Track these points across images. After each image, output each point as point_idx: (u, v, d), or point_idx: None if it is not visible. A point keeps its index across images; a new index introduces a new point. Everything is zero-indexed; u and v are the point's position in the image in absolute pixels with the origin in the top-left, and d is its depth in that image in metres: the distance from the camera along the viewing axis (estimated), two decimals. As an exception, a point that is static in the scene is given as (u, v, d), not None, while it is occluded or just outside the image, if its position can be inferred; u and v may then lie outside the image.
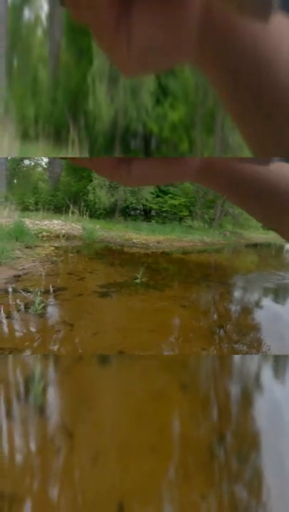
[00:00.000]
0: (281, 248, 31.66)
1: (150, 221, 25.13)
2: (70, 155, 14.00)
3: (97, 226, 17.53)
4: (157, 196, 25.65)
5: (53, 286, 7.46)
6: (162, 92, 14.89)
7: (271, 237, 38.24)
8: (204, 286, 9.43)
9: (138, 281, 8.60)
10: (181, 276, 10.05)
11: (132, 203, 23.71)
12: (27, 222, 14.75)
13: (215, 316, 7.16)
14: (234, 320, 7.31)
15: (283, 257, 26.30)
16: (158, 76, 14.92)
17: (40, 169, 37.89)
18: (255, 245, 26.74)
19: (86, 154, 14.22)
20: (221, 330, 6.42)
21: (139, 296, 7.53)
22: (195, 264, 13.20)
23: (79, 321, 5.81)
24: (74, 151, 14.04)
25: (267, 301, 9.56)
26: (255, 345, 6.13)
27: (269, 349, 6.07)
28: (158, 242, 16.70)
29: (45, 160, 35.18)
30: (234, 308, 8.23)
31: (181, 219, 26.53)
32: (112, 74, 14.22)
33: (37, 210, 21.45)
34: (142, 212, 27.20)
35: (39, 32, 16.33)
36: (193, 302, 7.59)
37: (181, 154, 15.07)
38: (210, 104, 14.88)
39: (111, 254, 13.61)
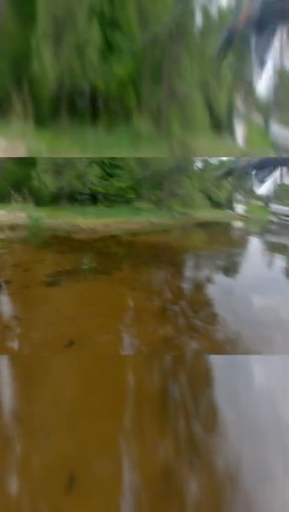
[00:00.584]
0: (229, 226, 32.49)
1: (98, 205, 24.67)
2: (14, 124, 13.34)
3: (44, 214, 16.88)
4: (104, 180, 25.22)
5: (-4, 280, 7.03)
6: (109, 48, 14.46)
7: (219, 215, 39.11)
8: (154, 267, 9.34)
9: (86, 267, 8.32)
10: (130, 259, 9.90)
11: (78, 188, 23.14)
12: None
13: (167, 296, 7.09)
14: (188, 297, 7.28)
15: (231, 234, 27.00)
16: (104, 32, 14.41)
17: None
18: (203, 224, 27.16)
19: (31, 122, 13.59)
20: (175, 308, 6.35)
21: (88, 282, 7.29)
22: (144, 245, 13.10)
23: (27, 313, 5.50)
24: (18, 119, 13.37)
25: (218, 277, 9.67)
26: (210, 320, 6.14)
27: (224, 322, 6.11)
28: (106, 226, 16.43)
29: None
30: (186, 286, 8.22)
31: (129, 201, 26.30)
32: (58, 33, 13.58)
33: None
34: (90, 197, 26.67)
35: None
36: (143, 284, 7.46)
37: (128, 109, 14.80)
38: (158, 55, 14.68)
39: (58, 241, 13.16)
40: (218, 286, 8.59)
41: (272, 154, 19.78)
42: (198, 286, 8.29)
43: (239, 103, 19.58)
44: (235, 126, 19.27)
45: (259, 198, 72.42)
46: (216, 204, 41.07)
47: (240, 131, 19.39)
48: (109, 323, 5.20)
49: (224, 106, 17.40)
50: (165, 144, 14.61)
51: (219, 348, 4.96)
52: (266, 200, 70.71)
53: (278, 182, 69.35)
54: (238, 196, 54.88)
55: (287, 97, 21.73)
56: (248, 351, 5.02)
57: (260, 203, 69.62)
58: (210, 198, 33.67)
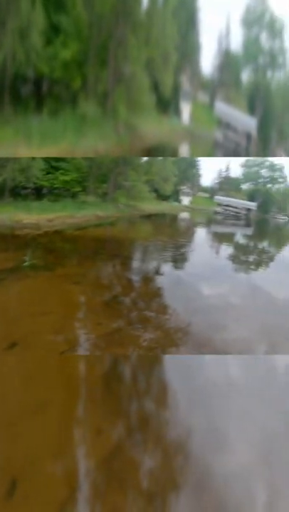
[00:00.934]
0: (175, 217, 32.92)
1: (42, 199, 23.87)
2: None
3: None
4: (48, 173, 24.40)
5: None
6: (53, 31, 13.85)
7: (165, 207, 39.50)
8: (99, 260, 9.17)
9: (27, 264, 7.96)
10: (74, 254, 9.64)
11: (21, 182, 22.24)
12: None
13: (112, 289, 6.97)
14: (134, 289, 7.21)
15: (177, 225, 27.36)
16: (48, 14, 13.77)
17: None
18: (149, 216, 27.27)
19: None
20: (121, 300, 6.25)
21: (31, 279, 6.96)
22: (89, 239, 12.85)
23: None
24: None
25: (166, 268, 9.69)
26: (162, 310, 6.12)
27: (175, 311, 6.12)
28: (49, 221, 15.91)
29: None
30: (133, 278, 8.14)
31: (74, 195, 25.71)
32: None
33: None
34: (34, 191, 25.73)
35: None
36: (87, 278, 7.27)
37: (73, 93, 14.36)
38: (103, 37, 14.34)
39: (0, 238, 12.54)
40: (165, 277, 8.60)
41: (216, 131, 20.29)
42: (146, 278, 8.25)
43: (185, 83, 19.75)
44: (181, 106, 19.45)
45: (204, 189, 74.13)
46: (162, 196, 41.42)
47: (186, 110, 19.61)
48: (52, 321, 4.99)
49: (170, 86, 17.42)
50: (111, 127, 14.39)
51: (171, 337, 4.95)
52: (211, 191, 72.55)
53: (223, 174, 71.29)
54: (184, 188, 55.78)
55: (232, 75, 22.30)
56: (200, 338, 5.07)
57: (205, 195, 71.30)
58: (156, 190, 33.83)
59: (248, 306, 7.17)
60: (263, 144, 22.07)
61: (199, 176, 67.51)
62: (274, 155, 23.49)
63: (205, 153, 19.70)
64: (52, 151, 12.18)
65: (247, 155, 21.38)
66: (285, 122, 23.16)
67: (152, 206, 33.10)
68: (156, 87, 16.72)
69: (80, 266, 8.26)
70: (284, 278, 11.20)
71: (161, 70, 16.74)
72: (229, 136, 20.62)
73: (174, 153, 18.07)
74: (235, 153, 20.89)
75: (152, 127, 15.93)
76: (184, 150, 18.53)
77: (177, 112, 19.30)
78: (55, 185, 24.47)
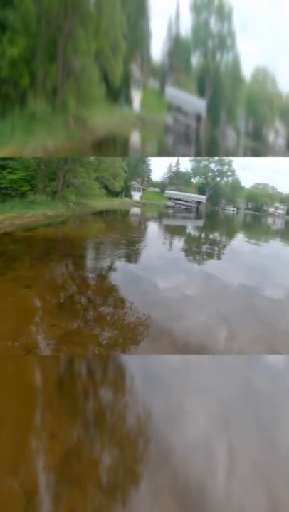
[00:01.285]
0: (127, 213, 32.88)
1: (-12, 201, 22.90)
2: None
3: None
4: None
5: None
6: (0, 28, 13.16)
7: (116, 203, 39.37)
8: (50, 261, 8.89)
9: (-28, 269, 7.54)
10: (24, 256, 9.27)
11: None
12: None
13: (65, 289, 6.78)
14: (89, 287, 7.06)
15: (129, 221, 27.34)
16: None
17: None
18: (100, 213, 27.02)
19: None
20: (76, 300, 6.09)
21: (-22, 285, 6.59)
22: (40, 240, 12.47)
23: None
24: None
25: (120, 264, 9.60)
26: (118, 305, 6.04)
27: (133, 304, 6.08)
28: (-2, 223, 15.28)
29: None
30: (87, 276, 7.98)
31: (22, 194, 24.86)
32: None
33: None
34: (-22, 193, 24.61)
35: None
36: (38, 280, 7.01)
37: (22, 91, 13.79)
38: (52, 31, 13.86)
39: None
40: (120, 273, 8.53)
41: (167, 115, 20.47)
42: (100, 275, 8.12)
43: (135, 70, 19.70)
44: (131, 94, 19.41)
45: (155, 184, 74.77)
46: (113, 192, 41.23)
47: (136, 97, 19.59)
48: (5, 328, 4.75)
49: (120, 75, 17.29)
50: (60, 123, 14.02)
51: (130, 332, 4.91)
52: (162, 186, 73.30)
53: (173, 169, 72.21)
54: (134, 184, 55.88)
55: (181, 60, 22.57)
56: (158, 330, 5.07)
57: (156, 190, 71.91)
58: (106, 187, 33.59)
59: (203, 296, 7.30)
60: (212, 124, 22.56)
61: (149, 171, 67.92)
62: (223, 134, 24.02)
63: (157, 139, 19.76)
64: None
65: (197, 136, 21.70)
66: (234, 101, 23.81)
67: (103, 203, 32.83)
68: (106, 77, 16.53)
69: (31, 268, 7.96)
70: (235, 266, 11.54)
71: (111, 60, 16.55)
72: (180, 119, 20.92)
73: (126, 141, 17.94)
74: (185, 136, 21.15)
75: (103, 118, 15.76)
76: (135, 137, 18.49)
77: (128, 100, 19.25)
78: (2, 185, 23.51)
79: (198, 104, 21.32)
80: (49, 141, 13.50)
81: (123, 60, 17.38)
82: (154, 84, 21.73)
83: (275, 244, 21.92)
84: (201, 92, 22.28)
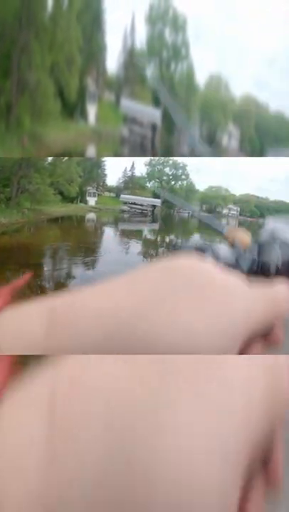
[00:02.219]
0: (82, 219, 32.67)
1: None
2: None
3: None
4: None
5: None
6: None
7: (72, 209, 38.94)
8: (6, 271, 8.72)
9: None
10: (-22, 266, 9.03)
11: None
12: None
13: (26, 300, 6.68)
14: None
15: (85, 226, 27.21)
16: None
17: None
18: (56, 219, 26.68)
19: None
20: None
21: None
22: (-6, 249, 12.15)
23: None
24: None
25: (78, 271, 9.59)
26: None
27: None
28: None
29: None
30: (44, 285, 7.92)
31: (-26, 202, 24.08)
32: None
33: None
34: None
35: None
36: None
37: None
38: (6, 45, 13.49)
39: None
40: (79, 280, 8.52)
41: (122, 127, 20.62)
42: (58, 283, 8.09)
43: (91, 84, 19.67)
44: (87, 108, 19.35)
45: (110, 189, 74.70)
46: (68, 198, 40.83)
47: (92, 111, 19.57)
48: None
49: (75, 90, 17.18)
50: (15, 140, 13.71)
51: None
52: (117, 191, 73.38)
53: (128, 173, 72.24)
54: (90, 189, 55.58)
55: (136, 71, 22.80)
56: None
57: (111, 194, 71.90)
58: (61, 193, 33.21)
59: None
60: (167, 133, 22.95)
61: (104, 175, 67.81)
62: (178, 141, 24.55)
63: (112, 151, 19.86)
64: None
65: (152, 146, 22.02)
66: (188, 109, 24.38)
67: (58, 209, 32.41)
68: (61, 92, 16.37)
69: (-14, 279, 7.79)
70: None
71: (66, 74, 16.46)
72: (135, 130, 21.11)
73: (81, 153, 17.90)
74: (141, 146, 21.40)
75: (58, 134, 15.63)
76: (91, 151, 18.44)
77: (83, 115, 19.19)
78: None
79: (153, 114, 21.68)
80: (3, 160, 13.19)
81: (78, 73, 17.34)
82: (109, 96, 21.89)
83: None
84: (156, 102, 22.69)
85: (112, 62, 26.53)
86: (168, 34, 24.10)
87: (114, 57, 26.55)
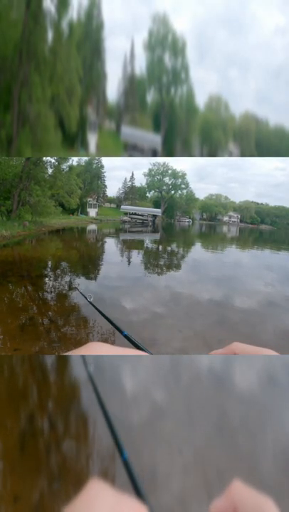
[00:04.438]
0: (84, 230, 32.77)
1: None
2: None
3: None
4: None
5: None
6: None
7: (72, 221, 39.10)
8: (7, 283, 8.72)
9: None
10: (-20, 279, 9.03)
11: None
12: None
13: (26, 311, 6.68)
14: (49, 308, 6.99)
15: (86, 237, 27.26)
16: None
17: None
18: (57, 231, 26.76)
19: None
20: (37, 321, 6.02)
21: None
22: (-4, 262, 12.16)
23: None
24: None
25: (80, 282, 9.56)
26: (82, 324, 6.01)
27: (95, 322, 6.05)
28: None
29: None
30: (47, 297, 7.90)
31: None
32: None
33: None
34: None
35: None
36: (-4, 304, 6.87)
37: None
38: (7, 79, 13.60)
39: None
40: (81, 291, 8.44)
41: (123, 155, 20.75)
42: (60, 295, 8.06)
43: (91, 113, 19.82)
44: (88, 137, 19.49)
45: (110, 200, 75.08)
46: (69, 210, 41.01)
47: (92, 140, 19.70)
48: None
49: (76, 120, 17.28)
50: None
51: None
52: (117, 201, 73.74)
53: (128, 184, 72.70)
54: (90, 200, 55.83)
55: (137, 98, 22.98)
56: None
57: (111, 205, 72.19)
58: (61, 204, 33.36)
59: (171, 313, 7.31)
60: (168, 156, 23.09)
61: (105, 187, 68.16)
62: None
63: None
64: None
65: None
66: (189, 131, 24.49)
67: (59, 221, 32.54)
68: (62, 123, 16.49)
69: (-12, 291, 7.78)
70: (198, 277, 11.77)
71: (67, 105, 16.51)
72: (136, 156, 21.35)
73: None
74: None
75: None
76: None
77: (84, 145, 19.32)
78: None
79: (153, 140, 21.92)
80: None
81: (79, 103, 17.45)
82: (109, 125, 22.07)
83: (232, 251, 22.69)
84: (156, 127, 22.85)
85: (113, 90, 26.86)
86: (168, 59, 24.34)
87: (114, 85, 26.80)
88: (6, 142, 14.01)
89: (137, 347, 0.79)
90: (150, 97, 24.24)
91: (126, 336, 0.94)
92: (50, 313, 6.75)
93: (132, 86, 22.98)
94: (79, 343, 5.15)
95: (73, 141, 18.13)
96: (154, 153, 21.93)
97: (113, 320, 1.30)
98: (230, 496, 0.31)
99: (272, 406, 3.87)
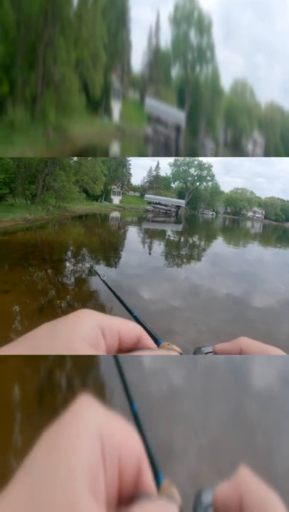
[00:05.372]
0: (106, 217, 32.87)
1: None
2: None
3: None
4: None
5: None
6: None
7: (96, 207, 39.27)
8: (29, 266, 8.84)
9: None
10: (2, 260, 9.18)
11: None
12: None
13: (45, 294, 6.77)
14: (68, 293, 7.07)
15: (109, 225, 27.34)
16: None
17: None
18: (80, 217, 26.94)
19: None
20: (55, 304, 6.10)
21: None
22: (18, 244, 12.32)
23: None
24: None
25: (100, 269, 9.61)
26: (99, 310, 6.04)
27: (112, 310, 6.09)
28: (-25, 227, 15.06)
29: None
30: (66, 281, 7.99)
31: (1, 197, 24.55)
32: None
33: None
34: None
35: None
36: (17, 285, 6.97)
37: (2, 96, 13.53)
38: (31, 38, 13.72)
39: None
40: (100, 280, 8.47)
41: (146, 127, 20.58)
42: (79, 280, 8.13)
43: (115, 81, 19.74)
44: (111, 105, 19.44)
45: (135, 188, 74.97)
46: (92, 196, 41.15)
47: (116, 108, 19.63)
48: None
49: (100, 86, 17.23)
50: (40, 132, 13.87)
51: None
52: (141, 190, 73.55)
53: (153, 173, 72.33)
54: (114, 188, 55.87)
55: (161, 71, 22.74)
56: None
57: (135, 194, 72.10)
58: (85, 191, 33.51)
59: (188, 305, 7.29)
60: (191, 135, 22.74)
61: (129, 175, 68.05)
62: (202, 145, 24.26)
63: (136, 150, 19.83)
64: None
65: (176, 147, 21.80)
66: (213, 113, 24.11)
67: (83, 207, 32.70)
68: (86, 87, 16.48)
69: (9, 273, 7.91)
70: (218, 271, 11.68)
71: (91, 71, 16.50)
72: (159, 131, 21.04)
73: (105, 152, 17.96)
74: (165, 146, 21.28)
75: (83, 128, 15.70)
76: (115, 149, 18.48)
77: (108, 111, 19.27)
78: (-20, 188, 23.21)
79: (177, 116, 21.55)
80: (28, 151, 13.36)
81: (103, 70, 17.38)
82: (133, 95, 21.87)
83: (254, 248, 22.40)
84: (180, 103, 22.51)
85: (137, 60, 26.58)
86: (193, 35, 23.88)
87: (138, 55, 26.54)
88: (31, 100, 14.13)
89: (147, 331, 0.77)
90: (175, 72, 23.92)
91: (136, 318, 0.91)
92: (68, 296, 6.83)
93: (157, 58, 22.69)
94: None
95: (97, 106, 18.14)
96: (178, 130, 21.59)
97: (127, 299, 1.28)
98: (237, 483, 0.31)
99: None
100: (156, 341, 0.63)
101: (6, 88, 13.57)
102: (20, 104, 13.92)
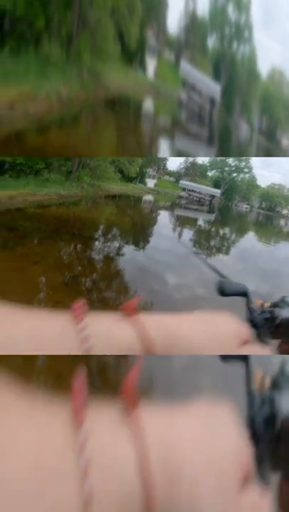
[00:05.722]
0: (139, 199, 32.81)
1: (3, 175, 22.91)
2: None
3: None
4: (9, 147, 23.39)
5: None
6: None
7: (130, 189, 39.22)
8: (60, 240, 8.97)
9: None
10: (34, 233, 9.35)
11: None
12: None
13: (72, 269, 6.87)
14: (94, 270, 7.15)
15: (141, 207, 27.30)
16: None
17: None
18: (113, 197, 26.99)
19: None
20: (80, 280, 6.19)
21: (-12, 257, 6.70)
22: (51, 218, 12.51)
23: None
24: None
25: (128, 251, 9.66)
26: (122, 291, 6.13)
27: (136, 292, 6.14)
28: (11, 198, 15.34)
29: None
30: (93, 259, 8.08)
31: (37, 172, 24.88)
32: None
33: None
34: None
35: None
36: (46, 258, 7.09)
37: (37, 33, 13.54)
38: None
39: None
40: (127, 261, 8.55)
41: (181, 90, 20.14)
42: (107, 259, 8.20)
43: (151, 37, 19.40)
44: (146, 60, 19.14)
45: (170, 173, 74.30)
46: (127, 177, 41.09)
47: (151, 65, 19.32)
48: (11, 301, 4.84)
49: (135, 38, 16.96)
50: (74, 71, 13.82)
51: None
52: (177, 176, 72.81)
53: (190, 159, 71.23)
54: (150, 171, 55.54)
55: (197, 38, 22.21)
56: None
57: (170, 179, 71.48)
58: (121, 171, 33.48)
59: (213, 296, 7.21)
60: (226, 112, 22.20)
61: (166, 159, 67.36)
62: (236, 125, 23.54)
63: (170, 113, 19.44)
64: (12, 93, 11.24)
65: (210, 120, 21.24)
66: (249, 95, 23.40)
67: (117, 187, 32.73)
68: (121, 37, 16.25)
69: (40, 245, 8.06)
70: (245, 266, 11.51)
71: (127, 20, 16.23)
72: (194, 98, 20.55)
73: (138, 107, 17.59)
74: (199, 116, 20.77)
75: (117, 77, 15.54)
76: (148, 105, 18.09)
77: (142, 66, 18.97)
78: (18, 161, 23.55)
79: (212, 87, 20.92)
80: (63, 88, 13.20)
81: (139, 23, 17.02)
82: (169, 56, 21.33)
83: (286, 246, 21.90)
84: (216, 76, 21.85)
85: (173, 23, 25.98)
86: (231, 11, 23.01)
87: (175, 18, 25.95)
88: (66, 40, 14.07)
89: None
90: (211, 42, 23.24)
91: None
92: (94, 274, 6.91)
93: (194, 24, 22.07)
94: (116, 306, 5.23)
95: (132, 59, 17.90)
96: (212, 103, 21.01)
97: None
98: None
99: None
100: None
101: (42, 23, 13.50)
102: (56, 42, 13.87)
